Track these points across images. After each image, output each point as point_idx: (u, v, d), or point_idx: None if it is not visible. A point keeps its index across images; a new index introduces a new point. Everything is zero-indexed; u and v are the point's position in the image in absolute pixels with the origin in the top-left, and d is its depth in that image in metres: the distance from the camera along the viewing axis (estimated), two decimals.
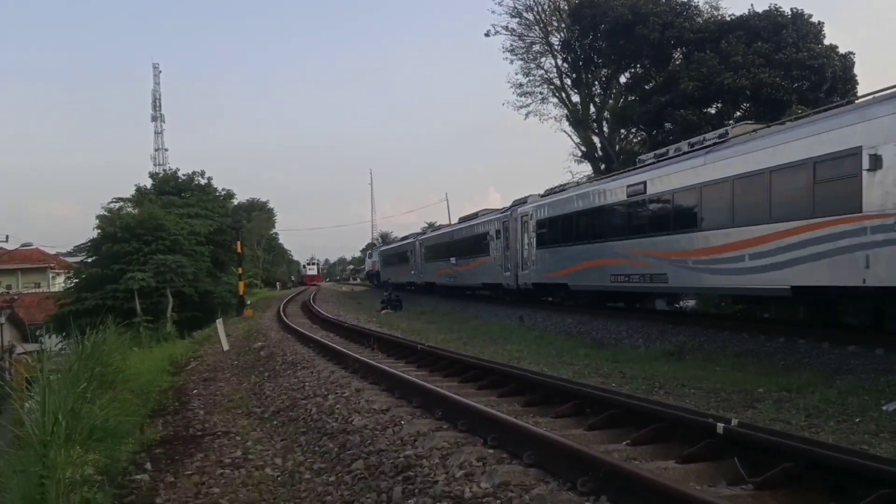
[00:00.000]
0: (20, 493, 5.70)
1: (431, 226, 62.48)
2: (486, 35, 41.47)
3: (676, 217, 16.65)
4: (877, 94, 12.08)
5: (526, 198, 27.19)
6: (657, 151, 19.65)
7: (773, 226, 13.33)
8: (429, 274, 41.87)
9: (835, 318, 13.97)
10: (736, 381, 10.91)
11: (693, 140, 17.80)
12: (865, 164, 11.28)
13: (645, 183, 17.95)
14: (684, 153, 17.18)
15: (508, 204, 29.45)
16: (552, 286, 24.45)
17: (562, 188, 25.19)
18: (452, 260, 35.47)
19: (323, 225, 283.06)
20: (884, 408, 8.60)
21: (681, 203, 16.52)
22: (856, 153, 11.51)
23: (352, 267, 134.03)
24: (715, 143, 16.12)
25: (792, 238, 12.84)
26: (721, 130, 17.00)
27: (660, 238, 17.20)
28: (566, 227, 22.75)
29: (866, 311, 13.01)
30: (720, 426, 5.55)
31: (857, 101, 13.49)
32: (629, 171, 20.75)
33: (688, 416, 6.21)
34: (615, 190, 19.63)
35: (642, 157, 20.54)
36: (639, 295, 20.55)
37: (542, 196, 26.01)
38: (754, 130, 15.29)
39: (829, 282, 12.20)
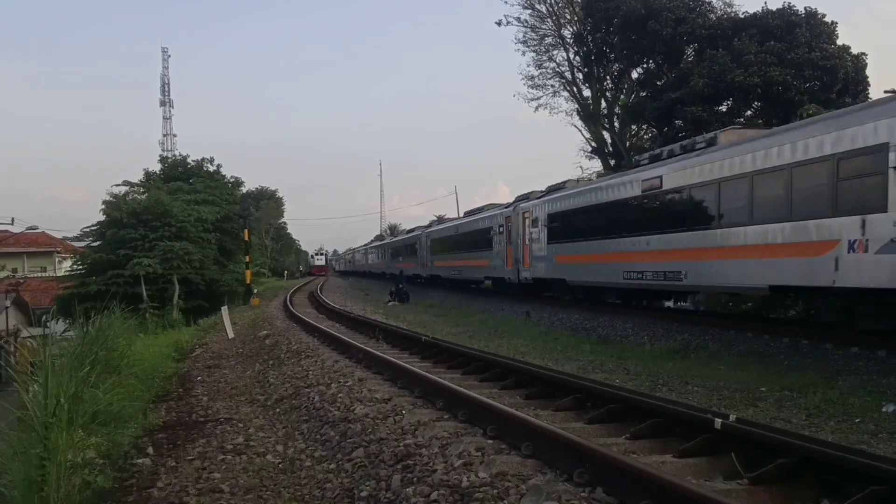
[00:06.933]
0: (21, 475, 5.77)
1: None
2: (498, 24, 41.23)
3: None
4: None
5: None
6: None
7: None
8: (549, 264, 24.48)
9: None
10: (739, 380, 10.93)
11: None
12: None
13: None
14: None
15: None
16: None
17: None
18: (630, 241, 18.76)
19: (332, 216, 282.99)
20: (884, 409, 8.62)
21: None
22: None
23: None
24: None
25: None
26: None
27: None
28: None
29: None
30: (718, 422, 5.56)
31: None
32: None
33: (687, 412, 6.23)
34: None
35: None
36: None
37: None
38: None
39: None
